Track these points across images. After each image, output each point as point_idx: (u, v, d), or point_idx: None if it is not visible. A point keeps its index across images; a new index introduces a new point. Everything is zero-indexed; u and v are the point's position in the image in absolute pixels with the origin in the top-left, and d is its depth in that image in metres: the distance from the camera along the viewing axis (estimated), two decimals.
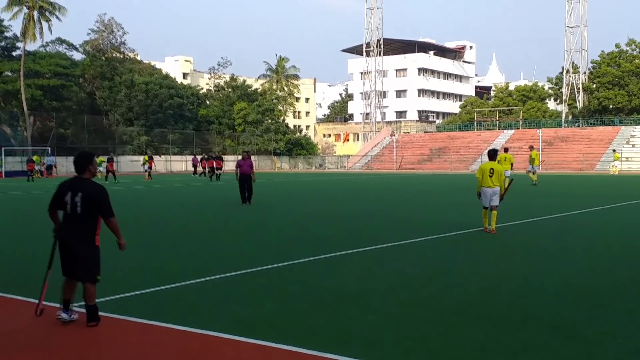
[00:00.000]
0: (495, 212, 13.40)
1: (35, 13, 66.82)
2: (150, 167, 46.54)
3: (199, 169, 52.15)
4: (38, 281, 8.53)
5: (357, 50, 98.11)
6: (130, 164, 69.59)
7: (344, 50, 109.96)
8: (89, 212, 6.27)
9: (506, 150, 29.82)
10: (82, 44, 79.72)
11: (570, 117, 76.87)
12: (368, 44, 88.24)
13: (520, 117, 78.83)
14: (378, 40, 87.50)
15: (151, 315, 6.65)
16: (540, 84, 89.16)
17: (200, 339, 5.89)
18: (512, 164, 27.41)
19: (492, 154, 13.92)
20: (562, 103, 79.60)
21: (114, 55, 79.45)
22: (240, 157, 21.71)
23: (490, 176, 13.29)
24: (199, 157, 54.45)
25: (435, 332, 6.07)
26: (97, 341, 5.88)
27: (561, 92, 79.00)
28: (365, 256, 10.65)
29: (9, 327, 6.35)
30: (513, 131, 72.94)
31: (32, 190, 32.22)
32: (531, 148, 34.80)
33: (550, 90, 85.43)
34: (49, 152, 58.55)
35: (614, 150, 54.20)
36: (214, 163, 44.97)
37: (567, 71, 76.58)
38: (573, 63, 76.78)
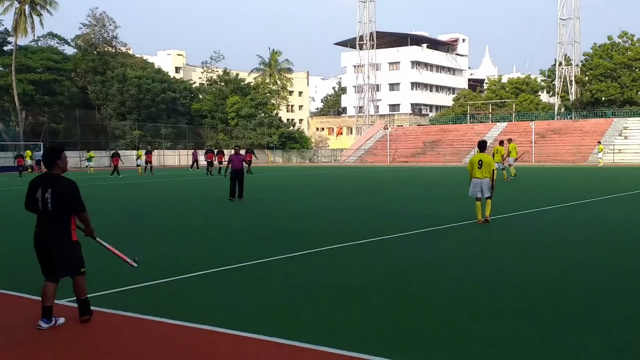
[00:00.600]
0: (489, 201, 13.59)
1: (27, 7, 66.49)
2: (149, 162, 46.10)
3: (195, 164, 52.29)
4: (30, 276, 8.53)
5: (350, 43, 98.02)
6: (123, 158, 69.40)
7: (337, 44, 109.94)
8: (61, 208, 6.11)
9: (510, 140, 30.32)
10: (74, 39, 79.31)
11: (563, 110, 77.05)
12: (361, 37, 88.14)
13: (513, 110, 78.92)
14: (371, 34, 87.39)
15: (145, 309, 6.63)
16: (533, 77, 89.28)
17: (194, 333, 5.88)
18: (502, 156, 28.04)
19: (482, 145, 14.04)
20: (554, 95, 79.75)
21: (106, 49, 79.07)
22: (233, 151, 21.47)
23: (479, 167, 13.48)
24: (200, 152, 54.67)
25: (430, 324, 6.08)
26: (91, 336, 5.86)
27: (554, 84, 79.14)
28: (359, 249, 10.65)
29: (4, 323, 6.32)
30: (506, 124, 73.06)
31: (22, 185, 32.09)
32: (510, 141, 34.46)
33: (543, 83, 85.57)
34: (40, 147, 58.37)
35: (599, 142, 54.20)
36: (218, 157, 45.19)
37: (560, 64, 76.69)
38: (566, 55, 76.92)
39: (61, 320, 6.18)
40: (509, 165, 32.44)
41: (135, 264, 7.11)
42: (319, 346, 5.39)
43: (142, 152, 48.58)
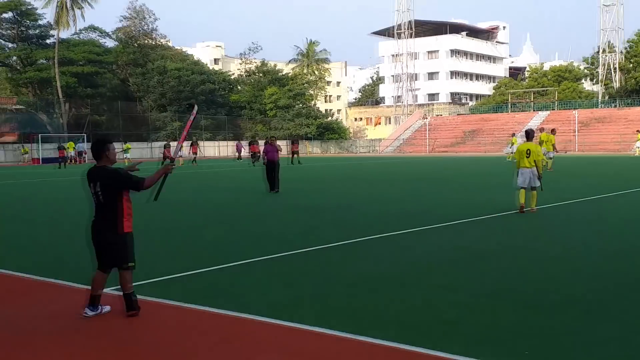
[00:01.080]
0: (534, 192, 13.50)
1: (68, 1, 67.59)
2: (195, 153, 47.00)
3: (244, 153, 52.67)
4: (78, 265, 8.70)
5: (387, 32, 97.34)
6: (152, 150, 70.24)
7: (374, 33, 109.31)
8: (110, 199, 6.15)
9: (554, 131, 29.18)
10: (114, 31, 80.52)
11: (606, 98, 75.36)
12: (399, 26, 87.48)
13: (555, 98, 77.54)
14: (409, 22, 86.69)
15: (187, 298, 6.72)
16: (575, 64, 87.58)
17: (235, 321, 5.93)
18: (553, 145, 27.77)
19: (530, 134, 13.91)
20: (598, 83, 78.07)
21: (145, 41, 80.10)
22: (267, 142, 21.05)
23: (527, 157, 13.36)
24: (243, 143, 54.98)
25: (469, 316, 6.03)
26: (134, 324, 5.96)
27: (597, 72, 77.44)
28: (400, 239, 10.60)
29: (50, 311, 6.47)
30: (548, 112, 71.80)
31: (62, 176, 32.76)
32: (553, 131, 33.40)
33: (585, 70, 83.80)
34: (83, 139, 59.49)
35: (638, 131, 52.59)
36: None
37: (603, 51, 75.03)
38: (609, 42, 75.16)
39: (107, 308, 6.26)
40: (550, 158, 31.93)
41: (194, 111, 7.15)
42: (359, 336, 5.38)
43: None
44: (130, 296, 6.20)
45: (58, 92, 67.54)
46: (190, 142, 50.49)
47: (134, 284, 6.32)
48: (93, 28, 79.43)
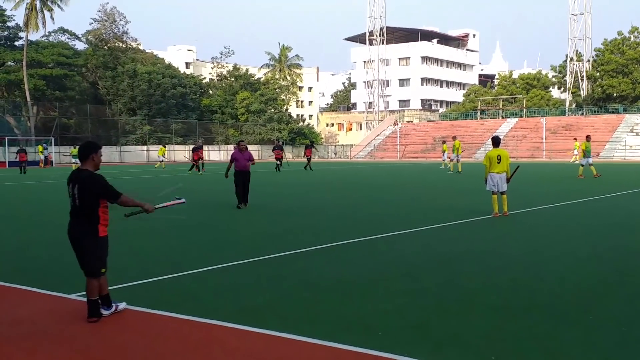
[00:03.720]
0: (504, 196, 14.11)
1: (38, 2, 66.68)
2: (201, 159, 41.55)
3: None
4: (41, 271, 8.58)
5: (360, 38, 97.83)
6: (134, 153, 69.63)
7: (346, 39, 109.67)
8: (87, 203, 6.10)
9: (588, 137, 29.29)
10: (84, 34, 79.58)
11: (574, 106, 76.58)
12: (371, 33, 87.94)
13: (524, 106, 78.57)
14: (381, 29, 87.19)
15: (154, 304, 6.66)
16: (544, 72, 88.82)
17: (203, 327, 5.90)
18: (584, 151, 27.84)
19: (497, 141, 14.58)
20: (566, 91, 79.28)
21: (116, 44, 79.33)
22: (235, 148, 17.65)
23: (498, 162, 13.92)
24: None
25: (438, 320, 6.07)
26: (101, 331, 5.89)
27: (565, 80, 78.66)
28: (368, 245, 10.64)
29: (14, 317, 6.36)
30: (517, 120, 72.76)
31: (25, 180, 32.26)
32: (454, 138, 37.35)
33: (554, 79, 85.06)
34: (51, 142, 58.62)
35: (575, 139, 53.74)
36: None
37: (571, 59, 76.24)
38: (577, 51, 76.43)
39: (122, 305, 6.38)
40: (451, 160, 35.70)
41: (182, 200, 7.25)
42: (327, 341, 5.39)
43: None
44: (94, 302, 6.14)
45: (26, 95, 66.53)
46: (194, 147, 47.50)
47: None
48: (63, 30, 78.55)
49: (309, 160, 42.41)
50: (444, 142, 39.25)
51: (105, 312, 6.18)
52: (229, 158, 17.38)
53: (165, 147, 51.66)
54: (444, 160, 39.05)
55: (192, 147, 46.25)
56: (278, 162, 40.08)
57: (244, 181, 16.73)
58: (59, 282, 6.61)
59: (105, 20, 78.00)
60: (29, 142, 60.82)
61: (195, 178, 32.62)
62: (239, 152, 16.93)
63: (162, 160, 47.90)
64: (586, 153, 27.98)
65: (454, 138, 37.23)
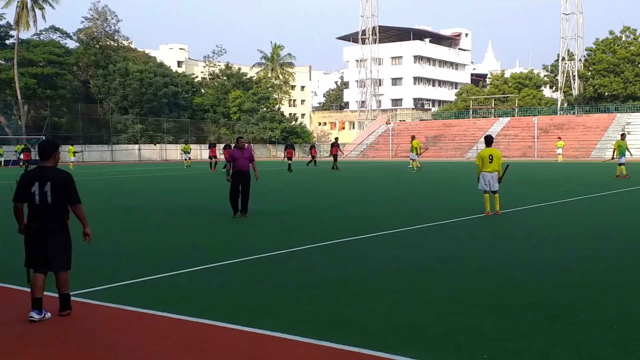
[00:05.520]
0: (497, 195, 14.13)
1: (29, 1, 66.45)
2: (214, 157, 41.49)
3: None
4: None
5: (352, 37, 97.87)
6: (126, 152, 69.43)
7: (339, 38, 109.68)
8: (59, 201, 6.12)
9: (623, 136, 29.16)
10: (76, 32, 79.30)
11: (565, 105, 76.89)
12: (364, 32, 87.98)
13: (516, 105, 78.80)
14: (373, 28, 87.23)
15: (146, 304, 6.62)
16: (535, 72, 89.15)
17: (195, 327, 5.87)
18: (626, 149, 27.36)
19: (489, 140, 14.58)
20: (557, 90, 79.60)
21: (108, 43, 79.06)
22: (234, 146, 15.46)
23: (490, 162, 13.94)
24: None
25: (432, 319, 6.07)
26: (93, 330, 5.85)
27: (557, 79, 78.95)
28: (362, 244, 10.63)
29: (3, 317, 6.31)
30: (509, 119, 72.99)
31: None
32: (412, 137, 38.52)
33: (545, 78, 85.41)
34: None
35: (560, 138, 54.20)
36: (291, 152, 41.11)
37: (563, 58, 76.52)
38: (568, 50, 76.70)
39: (48, 314, 6.13)
40: (412, 160, 36.62)
41: None
42: (319, 341, 5.37)
43: (187, 146, 47.15)
44: (67, 296, 6.20)
45: (17, 94, 66.21)
46: (209, 144, 46.57)
47: (93, 288, 6.26)
48: (54, 29, 78.19)
49: (335, 158, 41.56)
50: (413, 137, 39.20)
51: (35, 317, 5.97)
52: (226, 157, 15.48)
53: (187, 143, 50.23)
54: (412, 160, 37.79)
55: (223, 145, 45.00)
56: (290, 162, 39.23)
57: (243, 185, 14.30)
58: (49, 281, 6.55)
59: (96, 19, 77.74)
60: (20, 141, 60.47)
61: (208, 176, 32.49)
62: (238, 150, 14.53)
63: (189, 158, 46.79)
64: (621, 152, 27.51)
65: (413, 137, 38.35)
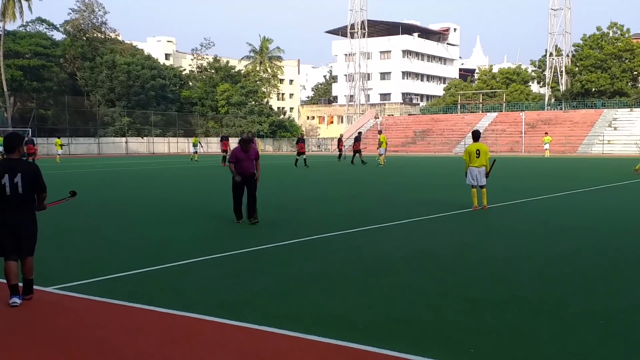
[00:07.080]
0: (484, 190, 14.20)
1: None
2: (226, 151, 39.68)
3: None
4: None
5: (341, 31, 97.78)
6: (113, 145, 69.06)
7: (328, 32, 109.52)
8: (29, 191, 6.40)
9: (380, 132, 30.30)
10: (62, 24, 78.68)
11: (553, 100, 77.23)
12: (352, 26, 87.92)
13: (504, 100, 79.05)
14: (362, 22, 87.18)
15: (134, 297, 6.60)
16: (523, 67, 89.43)
17: (183, 321, 5.86)
18: None
19: (477, 135, 14.57)
20: (545, 86, 79.92)
21: (95, 35, 78.46)
22: (238, 143, 12.80)
23: (477, 157, 14.00)
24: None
25: (419, 313, 6.09)
26: (80, 324, 5.82)
27: (544, 75, 79.26)
28: (349, 238, 10.64)
29: None
30: (496, 114, 73.26)
31: None
32: (379, 132, 39.59)
33: (533, 73, 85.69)
34: (28, 133, 57.92)
35: (547, 133, 54.69)
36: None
37: (550, 54, 76.78)
38: (556, 46, 77.00)
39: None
40: (380, 155, 36.84)
41: (71, 197, 7.80)
42: (307, 335, 5.38)
43: (195, 139, 46.95)
44: (32, 281, 6.44)
45: (3, 86, 65.63)
46: (221, 137, 44.61)
47: (80, 282, 6.26)
48: (41, 20, 77.55)
49: (356, 152, 39.82)
50: (380, 131, 39.60)
51: (18, 301, 6.24)
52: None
53: (196, 136, 49.68)
54: (380, 155, 37.49)
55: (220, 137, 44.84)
56: (304, 157, 36.79)
57: (249, 188, 12.40)
58: (35, 275, 6.55)
59: (83, 11, 77.12)
60: (4, 133, 59.87)
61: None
62: (242, 151, 12.39)
63: (197, 152, 46.54)
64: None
65: (380, 132, 39.30)
